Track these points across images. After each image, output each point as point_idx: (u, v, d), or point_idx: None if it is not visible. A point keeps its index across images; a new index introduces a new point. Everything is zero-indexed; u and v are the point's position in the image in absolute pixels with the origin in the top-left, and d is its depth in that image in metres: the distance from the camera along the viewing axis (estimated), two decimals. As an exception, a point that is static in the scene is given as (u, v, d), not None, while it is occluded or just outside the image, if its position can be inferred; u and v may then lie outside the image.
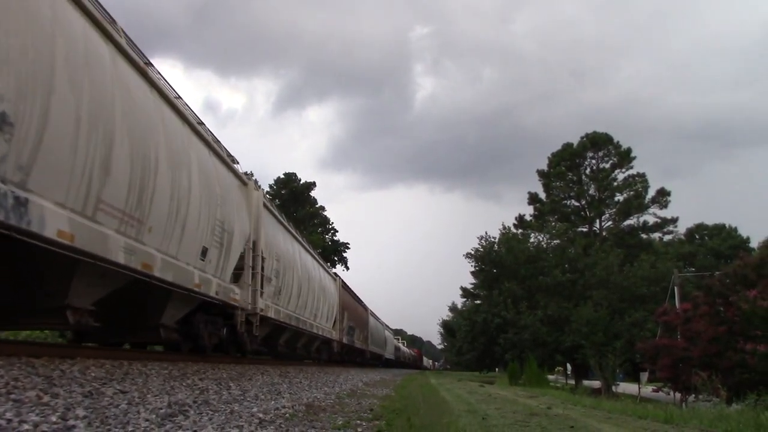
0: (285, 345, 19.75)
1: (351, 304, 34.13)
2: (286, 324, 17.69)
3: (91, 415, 4.77)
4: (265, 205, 15.90)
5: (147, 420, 5.16)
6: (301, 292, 19.96)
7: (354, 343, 33.58)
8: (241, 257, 13.35)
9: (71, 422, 4.40)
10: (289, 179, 76.35)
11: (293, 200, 73.26)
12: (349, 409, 8.78)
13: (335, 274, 31.90)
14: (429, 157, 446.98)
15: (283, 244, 18.32)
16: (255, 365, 14.36)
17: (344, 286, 32.08)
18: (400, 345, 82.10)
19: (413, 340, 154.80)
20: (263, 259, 14.87)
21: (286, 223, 19.56)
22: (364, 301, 46.27)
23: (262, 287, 14.53)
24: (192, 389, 7.59)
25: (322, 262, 26.65)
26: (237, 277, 13.30)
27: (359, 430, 6.39)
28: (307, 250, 22.68)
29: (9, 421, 4.03)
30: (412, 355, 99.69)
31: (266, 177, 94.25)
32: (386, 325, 61.97)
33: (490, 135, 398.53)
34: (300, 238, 21.82)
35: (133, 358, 8.85)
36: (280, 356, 19.77)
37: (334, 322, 27.15)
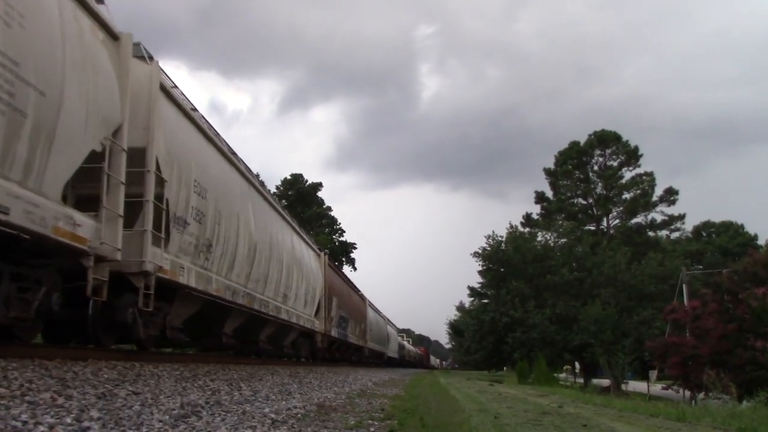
0: (236, 334, 14.45)
1: (342, 289, 29.03)
2: (225, 301, 12.12)
3: (105, 417, 4.77)
4: (163, 87, 9.78)
5: (160, 421, 5.16)
6: (258, 258, 14.07)
7: (347, 337, 29.35)
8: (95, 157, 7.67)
9: (86, 423, 4.40)
10: (296, 180, 76.40)
11: (300, 201, 73.27)
12: (360, 409, 8.77)
13: (321, 249, 25.29)
14: (434, 156, 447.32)
15: (218, 171, 12.00)
16: (265, 366, 14.36)
17: (332, 267, 27.43)
18: (405, 343, 78.74)
19: (421, 340, 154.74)
20: (163, 180, 9.26)
21: (219, 142, 12.62)
22: (368, 298, 45.47)
23: (163, 231, 9.21)
24: (204, 390, 7.60)
25: (297, 227, 20.72)
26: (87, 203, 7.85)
27: (372, 429, 6.38)
28: (270, 203, 16.24)
29: (24, 423, 4.03)
30: (418, 354, 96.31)
31: (272, 178, 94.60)
32: (389, 320, 57.93)
33: (495, 134, 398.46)
34: (255, 182, 14.94)
35: (144, 360, 8.86)
36: (227, 349, 14.99)
37: (318, 308, 21.82)
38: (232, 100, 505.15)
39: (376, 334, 42.61)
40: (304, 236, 21.95)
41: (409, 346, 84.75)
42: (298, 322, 18.62)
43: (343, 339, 28.28)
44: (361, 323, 34.76)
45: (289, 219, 19.12)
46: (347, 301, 29.75)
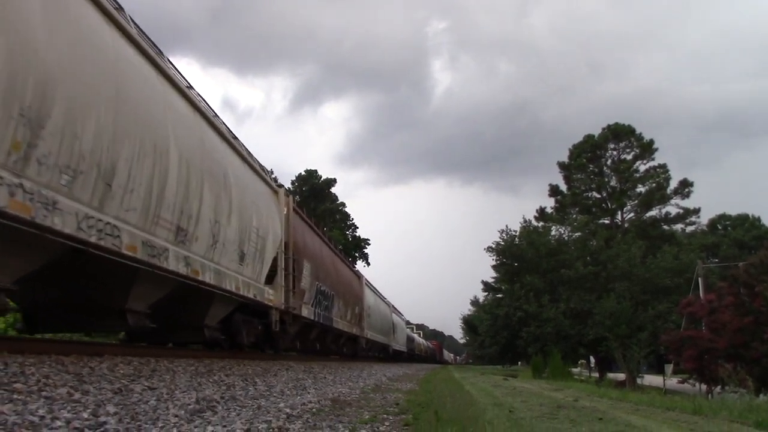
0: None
1: (323, 255, 21.34)
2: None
3: (121, 411, 4.80)
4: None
5: (176, 416, 5.19)
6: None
7: (332, 321, 21.71)
8: None
9: (102, 418, 4.44)
10: (310, 176, 76.59)
11: (314, 197, 73.43)
12: (375, 403, 8.77)
13: (287, 190, 18.13)
14: (447, 151, 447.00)
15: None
16: (279, 361, 14.43)
17: (304, 218, 19.38)
18: (415, 335, 72.16)
19: (435, 335, 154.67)
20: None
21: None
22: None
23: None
24: (219, 385, 7.63)
25: (237, 144, 12.94)
26: None
27: (386, 424, 6.38)
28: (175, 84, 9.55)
29: (42, 417, 4.07)
30: (430, 348, 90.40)
31: (286, 174, 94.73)
32: (395, 308, 49.57)
33: (507, 129, 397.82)
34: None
35: (160, 355, 8.90)
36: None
37: (275, 273, 14.80)
38: (245, 96, 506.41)
39: (378, 322, 36.10)
40: (251, 160, 13.93)
41: (419, 339, 78.85)
42: (230, 287, 11.12)
43: (326, 324, 20.85)
44: (356, 307, 28.09)
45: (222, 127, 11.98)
46: (330, 273, 22.18)
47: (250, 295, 12.35)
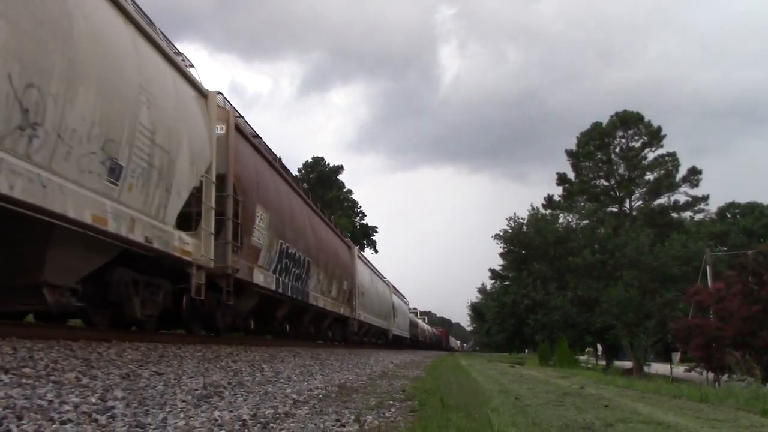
0: None
1: (291, 205, 16.18)
2: None
3: (129, 397, 4.84)
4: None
5: (183, 401, 5.22)
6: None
7: (308, 296, 17.19)
8: None
9: (110, 403, 4.47)
10: (317, 163, 76.58)
11: (321, 184, 73.45)
12: (381, 390, 8.81)
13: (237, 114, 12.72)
14: (455, 138, 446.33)
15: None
16: (287, 348, 14.47)
17: (257, 147, 13.77)
18: (419, 321, 68.27)
19: (442, 322, 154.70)
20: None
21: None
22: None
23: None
24: (226, 371, 7.67)
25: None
26: None
27: (392, 410, 6.40)
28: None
29: (50, 402, 4.10)
30: (435, 334, 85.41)
31: (293, 160, 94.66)
32: (396, 289, 44.24)
33: (515, 116, 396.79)
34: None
35: (168, 341, 8.95)
36: None
37: (221, 227, 10.95)
38: (253, 82, 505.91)
39: (374, 304, 31.00)
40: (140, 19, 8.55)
41: (424, 324, 74.16)
42: (63, 210, 6.26)
43: (298, 298, 16.29)
44: (344, 282, 22.92)
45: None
46: (304, 233, 17.10)
47: (137, 238, 7.64)
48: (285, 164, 18.03)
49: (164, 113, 8.42)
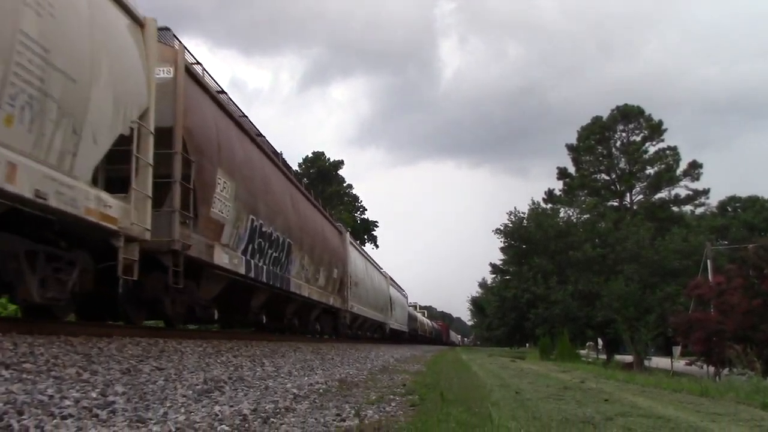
0: None
1: (266, 175, 13.85)
2: None
3: (129, 392, 4.84)
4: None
5: (184, 396, 5.23)
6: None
7: (288, 282, 15.07)
8: None
9: (111, 398, 4.47)
10: (318, 158, 76.48)
11: (321, 179, 73.37)
12: (382, 384, 8.82)
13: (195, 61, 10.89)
14: (455, 133, 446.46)
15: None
16: (288, 342, 14.49)
17: (219, 100, 11.59)
18: (418, 314, 65.57)
19: (443, 317, 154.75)
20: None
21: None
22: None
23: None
24: (227, 366, 7.68)
25: None
26: None
27: (393, 404, 6.41)
28: None
29: (51, 397, 4.10)
30: (435, 328, 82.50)
31: (294, 156, 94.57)
32: (394, 281, 42.25)
33: (516, 111, 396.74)
34: None
35: (168, 336, 8.96)
36: None
37: (166, 192, 9.06)
38: (253, 77, 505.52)
39: (370, 295, 28.61)
40: None
41: (423, 318, 71.84)
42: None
43: (276, 285, 14.13)
44: (333, 269, 20.52)
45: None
46: (284, 210, 14.88)
47: (22, 191, 5.61)
48: (287, 161, 17.13)
49: (68, 30, 6.35)
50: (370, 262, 30.91)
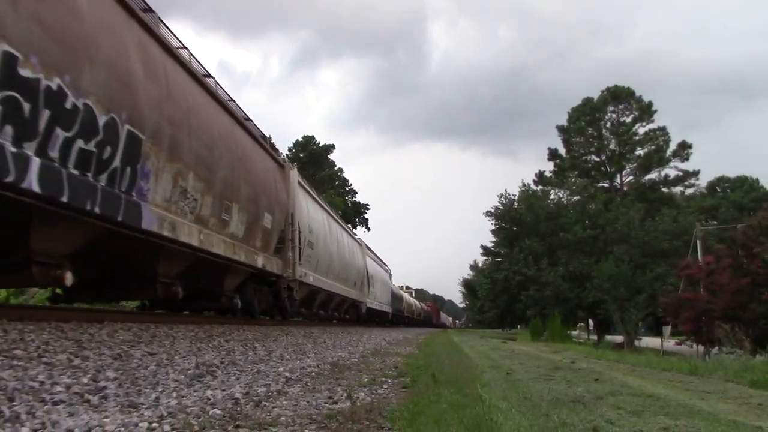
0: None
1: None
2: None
3: (121, 377, 4.85)
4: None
5: (176, 380, 5.24)
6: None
7: (137, 212, 7.74)
8: None
9: (102, 383, 4.48)
10: (308, 142, 76.30)
11: (312, 163, 73.23)
12: (374, 367, 8.86)
13: None
14: (445, 116, 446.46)
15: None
16: (280, 326, 14.51)
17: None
18: (405, 294, 59.89)
19: (435, 300, 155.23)
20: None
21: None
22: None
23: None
24: (218, 350, 7.69)
25: None
26: None
27: (385, 387, 6.45)
28: None
29: (42, 383, 4.10)
30: (424, 310, 77.67)
31: (284, 140, 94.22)
32: (374, 253, 37.48)
33: (506, 93, 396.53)
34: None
35: (159, 321, 8.95)
36: None
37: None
38: (241, 60, 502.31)
39: (333, 262, 21.67)
40: None
41: (410, 299, 66.03)
42: None
43: (95, 210, 6.82)
44: (265, 215, 13.29)
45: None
46: (115, 65, 7.21)
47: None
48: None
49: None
50: (334, 220, 24.32)
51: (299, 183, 17.29)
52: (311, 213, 18.81)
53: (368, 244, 34.50)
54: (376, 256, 38.98)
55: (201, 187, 9.65)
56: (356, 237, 30.85)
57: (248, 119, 13.44)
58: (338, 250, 23.04)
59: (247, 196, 12.02)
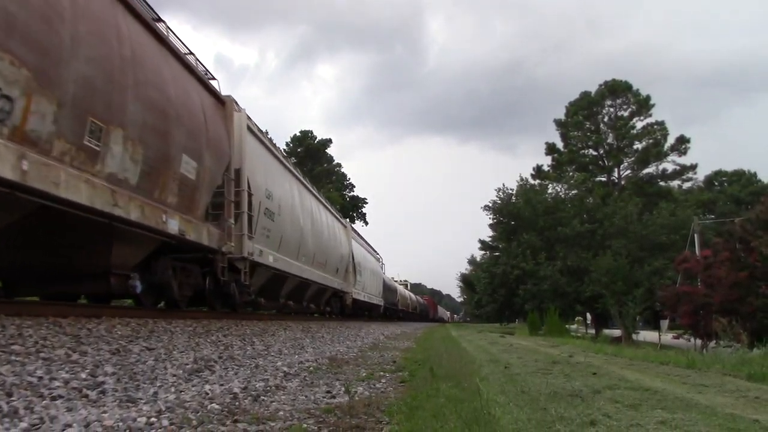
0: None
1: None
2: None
3: (119, 372, 4.85)
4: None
5: (174, 375, 5.24)
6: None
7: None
8: None
9: (101, 378, 4.48)
10: (305, 136, 76.20)
11: (309, 157, 73.18)
12: (372, 361, 8.87)
13: None
14: (442, 110, 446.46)
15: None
16: (278, 321, 14.50)
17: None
18: (399, 286, 56.70)
19: (433, 294, 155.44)
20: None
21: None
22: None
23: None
24: (217, 345, 7.69)
25: None
26: None
27: (383, 381, 6.46)
28: None
29: (40, 378, 4.10)
30: (421, 303, 75.55)
31: (281, 135, 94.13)
32: (362, 239, 34.22)
33: (504, 87, 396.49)
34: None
35: (158, 317, 8.95)
36: None
37: None
38: (238, 54, 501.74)
39: (306, 240, 17.38)
40: None
41: (405, 291, 62.68)
42: None
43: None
44: (200, 167, 9.66)
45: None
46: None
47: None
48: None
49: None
50: (310, 192, 19.68)
51: (251, 130, 12.90)
52: (272, 174, 14.57)
53: (366, 238, 34.00)
54: (366, 242, 35.68)
55: (24, 79, 5.73)
56: (341, 219, 26.83)
57: (161, 21, 9.46)
58: (314, 227, 18.69)
59: (144, 122, 7.99)
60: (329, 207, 23.73)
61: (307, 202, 18.38)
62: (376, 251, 39.51)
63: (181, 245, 9.51)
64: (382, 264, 42.76)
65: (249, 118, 12.85)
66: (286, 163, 16.75)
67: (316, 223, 19.00)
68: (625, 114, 61.85)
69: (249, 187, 12.12)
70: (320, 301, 21.93)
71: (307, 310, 20.28)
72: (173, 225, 8.75)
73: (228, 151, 11.20)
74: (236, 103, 12.13)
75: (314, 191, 20.67)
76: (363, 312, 31.26)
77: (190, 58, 10.39)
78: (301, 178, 18.61)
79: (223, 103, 11.63)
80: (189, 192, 9.39)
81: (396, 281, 58.74)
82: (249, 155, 12.36)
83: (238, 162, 11.78)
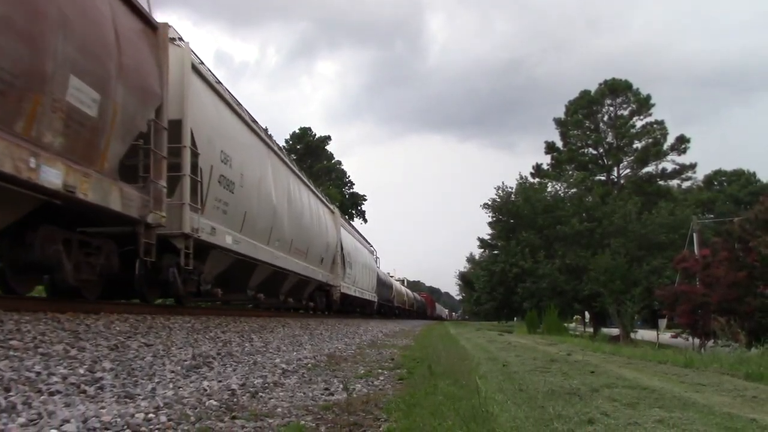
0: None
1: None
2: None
3: (117, 368, 4.84)
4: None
5: (172, 371, 5.24)
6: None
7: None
8: None
9: (99, 374, 4.47)
10: (304, 133, 76.12)
11: (309, 154, 73.11)
12: (371, 358, 8.87)
13: None
14: (442, 108, 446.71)
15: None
16: (276, 318, 14.50)
17: None
18: (395, 282, 54.80)
19: (431, 292, 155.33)
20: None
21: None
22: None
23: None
24: (215, 341, 7.69)
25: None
26: None
27: (381, 378, 6.46)
28: None
29: (38, 373, 4.09)
30: (418, 300, 73.94)
31: (281, 132, 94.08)
32: (353, 227, 33.13)
33: (504, 85, 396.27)
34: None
35: (156, 313, 8.95)
36: None
37: None
38: (239, 50, 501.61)
39: (282, 223, 14.94)
40: None
41: (402, 287, 60.18)
42: None
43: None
44: (114, 115, 7.03)
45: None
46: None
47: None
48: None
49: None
50: (288, 166, 17.14)
51: (198, 73, 10.38)
52: (232, 136, 11.81)
53: (364, 232, 33.58)
54: (358, 232, 33.53)
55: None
56: (328, 204, 23.81)
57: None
58: (292, 208, 16.12)
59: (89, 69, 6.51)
60: (313, 188, 20.95)
61: (284, 178, 15.76)
62: (369, 243, 37.12)
63: (85, 211, 7.02)
64: (377, 258, 40.53)
65: (198, 57, 10.58)
66: (256, 128, 13.89)
67: (294, 203, 16.52)
68: (625, 113, 61.83)
69: (194, 144, 9.58)
70: (302, 295, 19.29)
71: (283, 305, 17.54)
72: (52, 176, 5.94)
73: (159, 91, 8.37)
74: (179, 36, 9.80)
75: (294, 168, 18.00)
76: (354, 309, 29.50)
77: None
78: (277, 151, 15.94)
79: (154, 28, 8.59)
80: (86, 134, 6.60)
81: (392, 278, 56.97)
82: (196, 104, 9.87)
83: (178, 111, 9.24)
